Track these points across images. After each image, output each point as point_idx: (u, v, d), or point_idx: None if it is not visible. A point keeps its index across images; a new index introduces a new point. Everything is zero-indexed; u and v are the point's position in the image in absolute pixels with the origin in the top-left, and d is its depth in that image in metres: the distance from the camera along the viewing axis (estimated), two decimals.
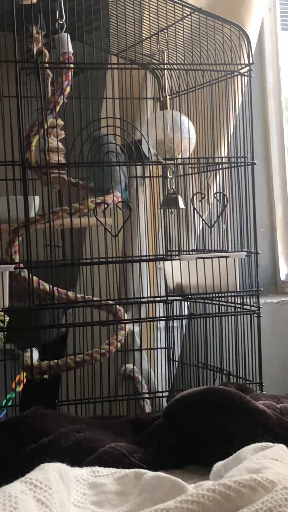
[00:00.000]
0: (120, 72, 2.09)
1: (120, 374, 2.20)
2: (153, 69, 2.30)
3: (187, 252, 2.23)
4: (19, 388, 2.09)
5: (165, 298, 2.24)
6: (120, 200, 2.00)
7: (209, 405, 1.55)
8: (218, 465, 1.33)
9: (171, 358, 2.34)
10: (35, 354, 1.98)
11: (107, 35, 2.15)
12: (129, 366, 2.18)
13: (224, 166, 2.17)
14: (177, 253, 2.23)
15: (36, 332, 1.97)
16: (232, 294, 2.10)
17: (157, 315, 2.30)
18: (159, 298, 2.27)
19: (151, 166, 2.22)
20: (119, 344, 1.99)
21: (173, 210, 2.17)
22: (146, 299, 2.24)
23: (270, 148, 2.79)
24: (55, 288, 1.94)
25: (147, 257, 2.22)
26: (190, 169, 2.25)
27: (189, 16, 2.05)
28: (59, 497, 1.11)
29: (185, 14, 2.05)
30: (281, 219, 2.82)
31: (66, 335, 2.26)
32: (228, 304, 2.16)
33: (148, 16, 2.07)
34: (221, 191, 2.11)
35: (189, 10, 2.05)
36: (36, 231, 1.90)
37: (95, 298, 1.99)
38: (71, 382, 1.96)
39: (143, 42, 2.16)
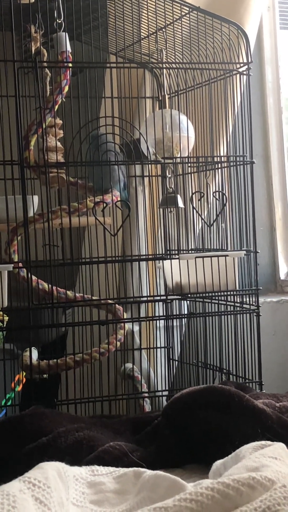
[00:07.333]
0: (119, 71, 2.09)
1: (119, 374, 2.19)
2: (152, 68, 2.30)
3: (187, 251, 2.23)
4: (19, 388, 2.09)
5: (164, 297, 2.24)
6: (119, 199, 2.00)
7: (209, 404, 1.55)
8: (218, 463, 1.33)
9: (171, 357, 2.34)
10: (35, 354, 1.97)
11: (106, 34, 2.15)
12: (129, 365, 2.18)
13: (223, 165, 2.17)
14: (176, 252, 2.22)
15: (35, 332, 1.97)
16: (232, 293, 2.10)
17: (157, 314, 2.30)
18: (158, 297, 2.27)
19: (150, 165, 2.22)
20: (118, 343, 1.99)
21: (172, 209, 2.17)
22: (145, 298, 2.23)
23: (270, 147, 2.78)
24: (54, 288, 1.93)
25: (146, 256, 2.22)
26: (189, 168, 2.25)
27: (188, 15, 2.05)
28: (58, 496, 1.11)
29: (183, 13, 2.05)
30: (280, 218, 2.82)
31: (66, 335, 2.26)
32: (228, 303, 2.15)
33: (146, 15, 2.07)
34: (220, 190, 2.11)
35: (188, 8, 2.04)
36: (35, 230, 1.89)
37: (94, 298, 1.99)
38: (71, 382, 1.95)
39: (142, 41, 2.16)
